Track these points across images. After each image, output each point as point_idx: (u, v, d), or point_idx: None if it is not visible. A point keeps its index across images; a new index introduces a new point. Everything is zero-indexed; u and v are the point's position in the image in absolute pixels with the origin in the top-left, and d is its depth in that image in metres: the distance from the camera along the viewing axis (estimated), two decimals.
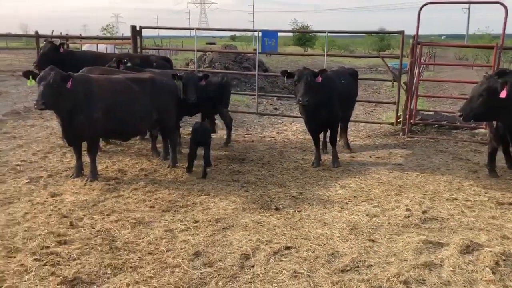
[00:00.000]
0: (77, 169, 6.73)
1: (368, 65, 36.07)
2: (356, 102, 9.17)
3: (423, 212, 5.39)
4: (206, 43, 62.94)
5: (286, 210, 5.42)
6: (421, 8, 9.17)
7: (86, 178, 6.52)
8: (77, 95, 6.14)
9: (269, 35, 9.49)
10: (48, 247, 4.35)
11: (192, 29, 10.87)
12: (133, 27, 10.48)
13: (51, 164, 7.32)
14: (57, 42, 10.13)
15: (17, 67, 23.92)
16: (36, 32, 11.36)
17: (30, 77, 6.17)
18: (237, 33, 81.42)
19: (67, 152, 7.97)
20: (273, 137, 9.96)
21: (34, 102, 5.88)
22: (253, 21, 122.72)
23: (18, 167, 7.02)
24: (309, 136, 8.84)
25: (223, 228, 4.87)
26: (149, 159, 7.75)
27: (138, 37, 10.50)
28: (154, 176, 6.88)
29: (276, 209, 5.45)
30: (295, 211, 5.38)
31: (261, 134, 10.37)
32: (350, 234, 4.74)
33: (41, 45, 9.82)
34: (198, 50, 11.70)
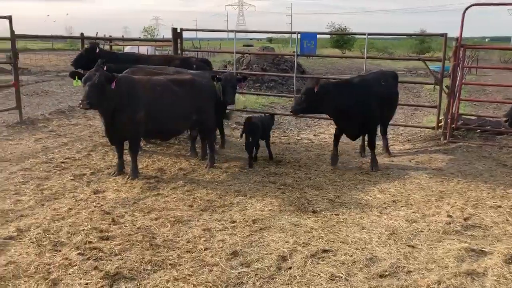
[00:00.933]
0: (118, 167, 6.92)
1: (408, 67, 35.32)
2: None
3: (465, 219, 5.24)
4: (244, 45, 63.36)
5: (323, 213, 5.39)
6: (465, 10, 8.93)
7: (127, 176, 6.69)
8: (121, 96, 6.32)
9: (308, 37, 9.47)
10: (91, 242, 4.50)
11: (232, 31, 10.98)
12: (174, 29, 10.67)
13: (94, 162, 7.56)
14: (101, 43, 10.50)
15: (61, 67, 24.90)
16: (82, 34, 11.77)
17: (76, 77, 6.37)
18: (274, 35, 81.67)
19: (109, 150, 8.21)
20: (310, 140, 9.94)
21: (79, 101, 6.08)
22: (291, 23, 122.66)
23: (63, 164, 7.29)
24: (346, 139, 8.79)
25: (260, 229, 4.89)
26: (188, 159, 7.87)
27: (178, 39, 10.68)
28: (192, 176, 6.99)
29: (313, 211, 5.42)
30: (332, 214, 5.35)
31: (298, 136, 10.36)
32: (389, 239, 4.67)
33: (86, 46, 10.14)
34: (237, 52, 11.78)
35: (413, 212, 5.44)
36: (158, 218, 5.19)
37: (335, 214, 5.34)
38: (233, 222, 5.10)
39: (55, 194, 5.98)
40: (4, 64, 17.37)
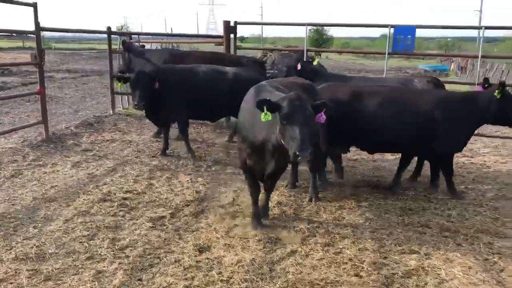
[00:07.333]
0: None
1: (392, 67, 34.05)
2: None
3: None
4: (215, 44, 61.71)
5: None
6: None
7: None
8: None
9: (404, 31, 7.77)
10: None
11: (304, 24, 9.15)
12: (227, 23, 8.78)
13: (164, 196, 5.70)
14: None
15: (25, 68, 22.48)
16: (108, 28, 9.69)
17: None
18: (246, 35, 79.19)
19: (171, 177, 6.39)
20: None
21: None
22: (261, 14, 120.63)
23: (127, 202, 5.41)
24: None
25: None
26: (277, 188, 6.02)
27: (232, 34, 8.81)
28: (307, 215, 5.27)
29: None
30: None
31: None
32: None
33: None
34: (308, 50, 9.93)
35: None
36: None
37: None
38: None
39: (146, 258, 4.12)
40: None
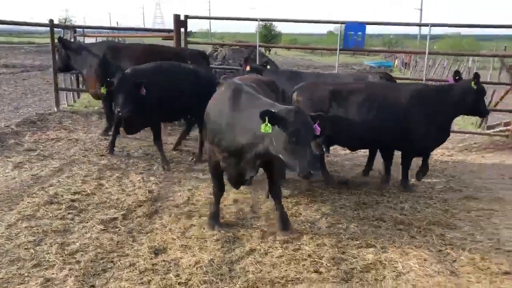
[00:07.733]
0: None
1: (340, 63, 34.95)
2: None
3: None
4: (163, 39, 60.71)
5: None
6: None
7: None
8: None
9: (354, 28, 7.86)
10: None
11: (255, 19, 9.04)
12: (177, 17, 8.54)
13: (114, 196, 5.47)
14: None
15: None
16: (51, 21, 9.14)
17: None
18: (194, 29, 78.74)
19: (122, 176, 6.15)
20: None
21: None
22: (209, 9, 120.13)
23: (75, 204, 5.13)
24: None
25: None
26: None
27: (182, 28, 8.58)
28: (261, 212, 5.19)
29: (506, 273, 3.88)
30: None
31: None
32: None
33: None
34: (260, 46, 9.77)
35: None
36: None
37: None
38: None
39: (99, 262, 3.92)
40: None
